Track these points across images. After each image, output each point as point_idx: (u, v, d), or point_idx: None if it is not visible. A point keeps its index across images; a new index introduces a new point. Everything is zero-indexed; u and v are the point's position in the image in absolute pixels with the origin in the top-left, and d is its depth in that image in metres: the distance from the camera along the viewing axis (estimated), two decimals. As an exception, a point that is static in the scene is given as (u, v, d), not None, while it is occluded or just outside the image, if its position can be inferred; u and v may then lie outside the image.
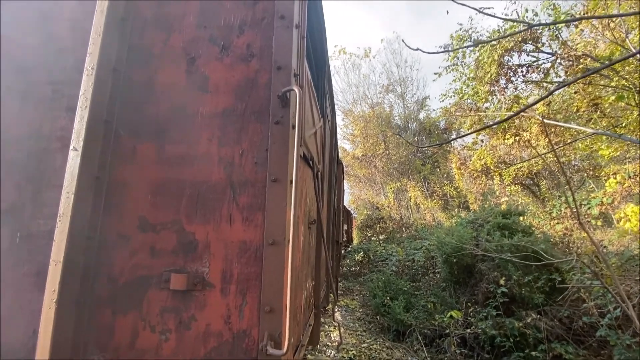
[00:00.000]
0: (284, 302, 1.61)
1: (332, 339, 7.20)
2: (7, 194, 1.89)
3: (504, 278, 6.79)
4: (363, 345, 6.76)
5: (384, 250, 14.45)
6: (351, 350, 6.37)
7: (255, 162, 1.82)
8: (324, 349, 6.49)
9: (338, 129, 8.03)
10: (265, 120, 1.85)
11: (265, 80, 1.90)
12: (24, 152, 1.92)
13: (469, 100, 12.53)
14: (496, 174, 12.44)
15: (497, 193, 14.00)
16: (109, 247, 1.75)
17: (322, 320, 8.44)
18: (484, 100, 11.25)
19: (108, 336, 1.69)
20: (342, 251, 13.64)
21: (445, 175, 21.27)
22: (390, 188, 22.71)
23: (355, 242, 19.96)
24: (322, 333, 7.36)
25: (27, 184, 1.88)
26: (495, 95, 10.67)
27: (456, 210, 17.48)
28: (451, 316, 6.60)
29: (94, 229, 1.72)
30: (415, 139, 24.13)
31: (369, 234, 20.53)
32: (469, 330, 6.42)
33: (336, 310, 9.35)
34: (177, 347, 1.64)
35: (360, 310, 9.46)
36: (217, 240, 1.74)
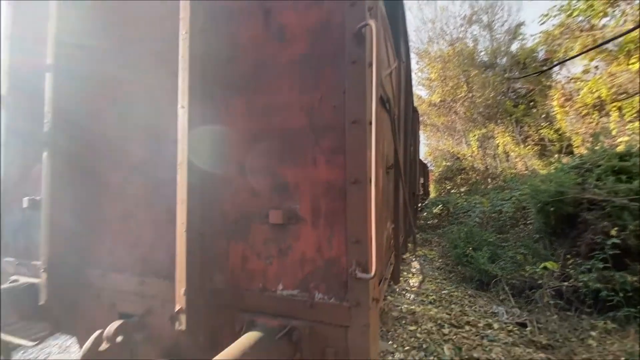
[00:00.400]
0: (369, 234, 1.73)
1: (411, 284, 7.40)
2: (136, 152, 2.35)
3: (616, 228, 5.89)
4: (443, 292, 6.81)
5: (465, 203, 13.69)
6: (431, 296, 6.50)
7: (333, 106, 1.88)
8: (403, 292, 6.75)
9: (412, 74, 7.46)
10: (341, 63, 1.86)
11: (339, 21, 1.87)
12: (145, 116, 2.32)
13: (579, 18, 10.14)
14: (614, 108, 10.24)
15: (614, 132, 11.63)
16: (218, 189, 2.08)
17: (401, 267, 8.70)
18: (601, 14, 8.98)
19: (225, 260, 2.07)
20: (419, 204, 13.38)
21: (543, 117, 18.31)
22: (474, 136, 20.69)
23: (432, 195, 19.25)
24: (401, 278, 7.60)
25: (151, 141, 2.30)
26: (619, 5, 8.40)
27: (556, 156, 15.19)
28: (545, 267, 6.12)
29: (205, 174, 2.04)
30: (506, 76, 20.94)
31: (448, 187, 19.50)
32: (566, 283, 5.90)
33: (414, 258, 9.47)
34: (279, 270, 1.94)
35: (440, 260, 9.39)
36: (305, 181, 1.91)
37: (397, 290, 6.74)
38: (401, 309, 5.70)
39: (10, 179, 2.89)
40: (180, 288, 1.92)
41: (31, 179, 2.80)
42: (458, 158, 21.62)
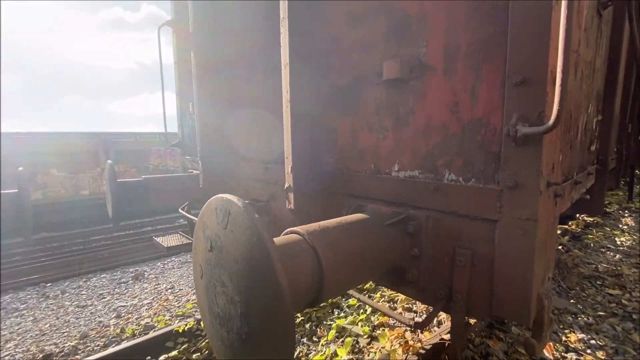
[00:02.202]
0: (547, 68, 0.98)
1: (618, 242, 5.32)
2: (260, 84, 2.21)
3: None
4: (682, 259, 4.54)
5: None
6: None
7: None
8: (602, 249, 4.92)
9: None
10: None
11: None
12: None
13: None
14: None
15: None
16: (325, 52, 1.70)
17: (603, 222, 6.35)
18: None
19: (334, 140, 1.74)
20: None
21: None
22: None
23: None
24: (600, 233, 5.58)
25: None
26: None
27: None
28: None
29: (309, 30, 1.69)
30: None
31: None
32: None
33: (626, 213, 6.78)
34: (395, 146, 1.45)
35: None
36: (436, 8, 1.26)
37: (592, 245, 4.96)
38: (596, 267, 4.14)
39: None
40: (288, 165, 1.74)
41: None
42: None
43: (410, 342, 2.54)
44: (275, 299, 0.77)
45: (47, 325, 4.41)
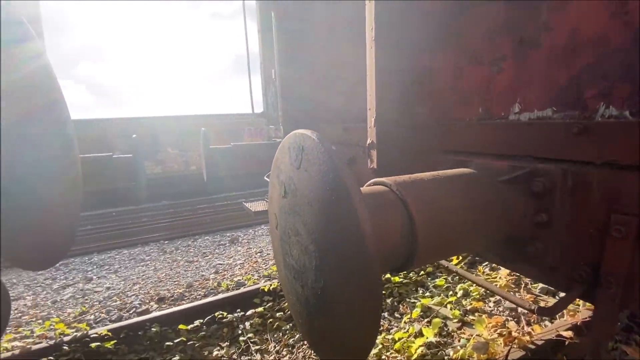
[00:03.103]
0: None
1: None
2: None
3: None
4: None
5: None
6: None
7: None
8: None
9: None
10: None
11: None
12: None
13: None
14: None
15: None
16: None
17: None
18: None
19: (428, 83, 1.45)
20: None
21: None
22: None
23: None
24: None
25: None
26: None
27: None
28: None
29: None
30: None
31: None
32: None
33: None
34: (515, 78, 1.10)
35: None
36: None
37: None
38: None
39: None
40: (371, 118, 1.53)
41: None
42: None
43: (515, 334, 2.14)
44: (356, 251, 0.60)
45: (164, 274, 5.24)
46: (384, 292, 3.21)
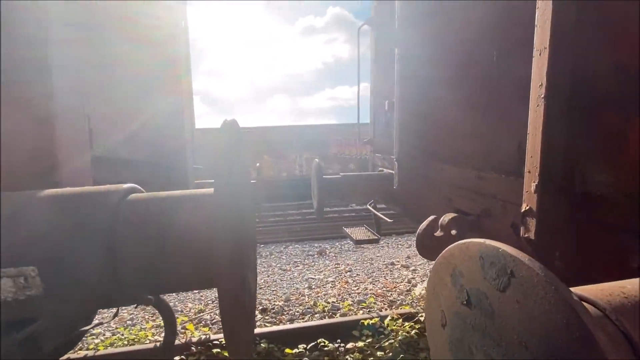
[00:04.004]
0: None
1: None
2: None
3: None
4: None
5: None
6: None
7: None
8: None
9: None
10: None
11: None
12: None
13: None
14: None
15: None
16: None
17: None
18: None
19: (617, 144, 1.20)
20: None
21: None
22: None
23: None
24: None
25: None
26: None
27: None
28: None
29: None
30: None
31: None
32: None
33: None
34: None
35: None
36: None
37: None
38: None
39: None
40: (531, 182, 1.35)
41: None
42: None
43: None
44: None
45: (262, 280, 5.66)
46: None
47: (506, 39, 1.72)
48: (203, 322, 3.97)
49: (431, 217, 1.95)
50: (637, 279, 0.86)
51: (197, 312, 4.21)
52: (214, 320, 3.96)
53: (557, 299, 0.59)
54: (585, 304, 0.78)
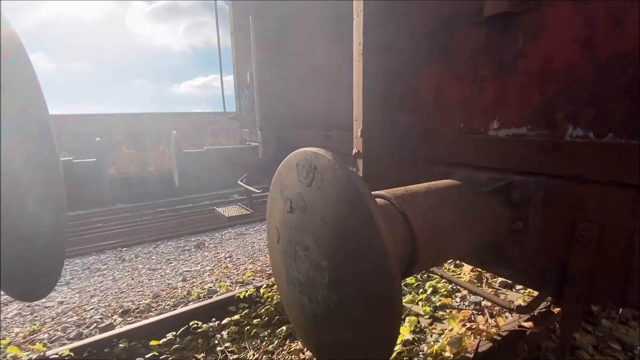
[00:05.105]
0: None
1: None
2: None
3: None
4: None
5: None
6: None
7: None
8: None
9: None
10: None
11: None
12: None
13: None
14: None
15: None
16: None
17: None
18: None
19: (413, 96, 1.53)
20: None
21: None
22: None
23: None
24: None
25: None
26: None
27: None
28: None
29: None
30: None
31: None
32: None
33: None
34: (494, 98, 1.21)
35: None
36: None
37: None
38: None
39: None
40: (357, 128, 1.59)
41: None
42: None
43: (482, 327, 2.33)
44: (378, 266, 0.64)
45: (125, 284, 4.91)
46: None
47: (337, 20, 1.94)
48: (41, 343, 3.17)
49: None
50: (423, 184, 1.13)
51: (30, 333, 3.32)
52: (52, 338, 3.21)
53: (344, 178, 0.71)
54: (378, 196, 0.97)
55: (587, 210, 0.99)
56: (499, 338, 2.09)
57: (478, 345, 2.01)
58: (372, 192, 1.03)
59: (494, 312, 2.77)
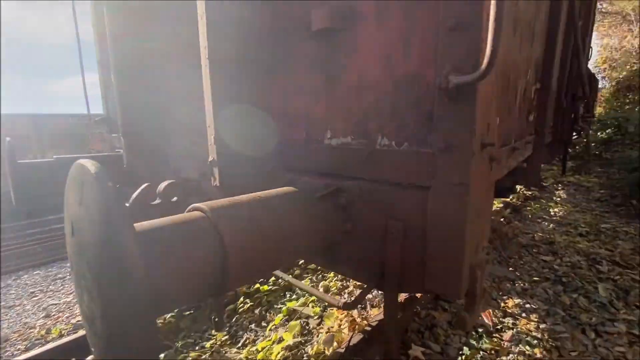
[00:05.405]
0: (483, 11, 0.85)
1: (552, 213, 5.77)
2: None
3: None
4: (603, 225, 5.03)
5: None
6: (582, 227, 4.87)
7: None
8: (538, 220, 5.30)
9: None
10: None
11: None
12: None
13: None
14: None
15: None
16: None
17: (539, 195, 6.88)
18: None
19: (264, 101, 1.54)
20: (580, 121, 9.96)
21: None
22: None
23: (599, 111, 14.27)
24: (537, 205, 6.02)
25: None
26: None
27: None
28: None
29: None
30: None
31: (628, 100, 14.08)
32: None
33: (559, 186, 7.42)
34: (327, 110, 1.28)
35: (602, 191, 7.02)
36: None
37: (530, 217, 5.33)
38: (533, 236, 4.44)
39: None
40: (211, 135, 1.51)
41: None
42: (653, 61, 14.90)
43: (358, 320, 2.49)
44: (129, 296, 0.57)
45: (-43, 332, 3.83)
46: (251, 303, 3.21)
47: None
48: None
49: (144, 185, 1.87)
50: (252, 194, 1.12)
51: None
52: None
53: (100, 197, 0.63)
54: (196, 209, 0.92)
55: (394, 210, 1.12)
56: (369, 329, 2.26)
57: (350, 339, 2.14)
58: (192, 205, 0.97)
59: (374, 304, 3.02)
